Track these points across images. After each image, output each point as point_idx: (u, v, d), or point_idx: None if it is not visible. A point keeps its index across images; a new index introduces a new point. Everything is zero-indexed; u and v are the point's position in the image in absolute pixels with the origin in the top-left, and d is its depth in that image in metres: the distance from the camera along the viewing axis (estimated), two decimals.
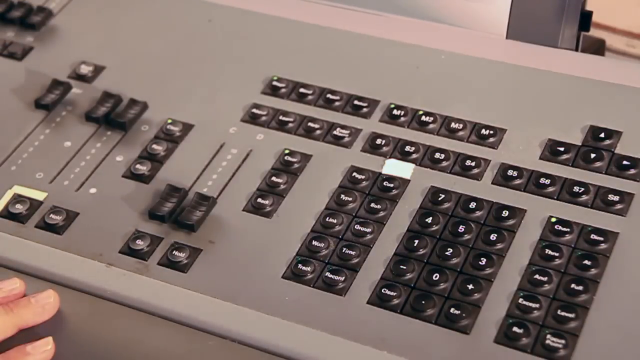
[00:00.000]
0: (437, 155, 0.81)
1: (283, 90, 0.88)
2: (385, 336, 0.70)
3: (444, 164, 0.80)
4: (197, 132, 0.86)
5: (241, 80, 0.90)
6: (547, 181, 0.77)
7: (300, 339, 0.71)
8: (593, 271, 0.71)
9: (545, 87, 0.85)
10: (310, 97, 0.87)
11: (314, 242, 0.76)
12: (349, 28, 0.93)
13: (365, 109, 0.85)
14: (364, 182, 0.80)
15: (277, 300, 0.73)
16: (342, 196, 0.79)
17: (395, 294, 0.72)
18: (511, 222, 0.75)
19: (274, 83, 0.89)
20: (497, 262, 0.73)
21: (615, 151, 0.79)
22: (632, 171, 0.77)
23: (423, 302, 0.71)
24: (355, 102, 0.86)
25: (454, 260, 0.73)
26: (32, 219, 0.81)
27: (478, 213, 0.76)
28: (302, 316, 0.72)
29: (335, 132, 0.84)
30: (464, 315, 0.70)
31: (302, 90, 0.88)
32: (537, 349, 0.68)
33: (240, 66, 0.91)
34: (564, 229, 0.74)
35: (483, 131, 0.82)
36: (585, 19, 0.89)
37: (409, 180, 0.80)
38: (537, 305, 0.70)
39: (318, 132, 0.84)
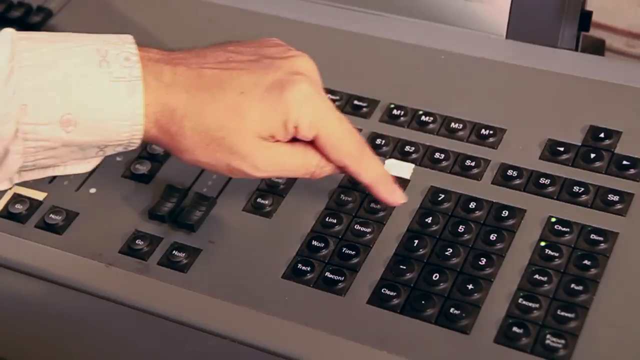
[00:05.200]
0: (437, 155, 0.81)
1: None
2: (385, 336, 0.70)
3: (444, 164, 0.80)
4: None
5: None
6: (547, 181, 0.77)
7: (300, 339, 0.71)
8: (593, 271, 0.71)
9: (545, 87, 0.85)
10: None
11: (314, 242, 0.76)
12: (349, 28, 0.93)
13: (365, 109, 0.85)
14: None
15: (277, 300, 0.73)
16: (342, 196, 0.79)
17: (395, 294, 0.72)
18: (511, 222, 0.75)
19: None
20: (497, 262, 0.73)
21: (615, 151, 0.79)
22: (632, 171, 0.77)
23: (423, 302, 0.71)
24: (355, 102, 0.86)
25: (454, 260, 0.73)
26: (31, 219, 0.81)
27: (478, 213, 0.76)
28: (302, 316, 0.72)
29: None
30: (463, 315, 0.70)
31: None
32: (537, 348, 0.68)
33: None
34: (564, 229, 0.74)
35: (483, 131, 0.82)
36: (585, 19, 0.89)
37: (408, 180, 0.80)
38: (537, 305, 0.70)
39: None
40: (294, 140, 0.72)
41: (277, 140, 0.71)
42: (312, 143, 0.72)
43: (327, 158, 0.72)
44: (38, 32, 0.68)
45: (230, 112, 0.69)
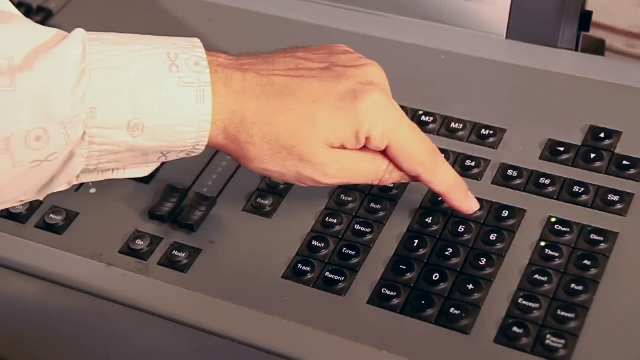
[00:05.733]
0: None
1: None
2: (385, 336, 0.70)
3: None
4: None
5: None
6: (547, 181, 0.77)
7: (300, 339, 0.71)
8: (593, 271, 0.71)
9: (545, 87, 0.85)
10: None
11: (314, 242, 0.76)
12: (349, 28, 0.93)
13: None
14: None
15: (277, 300, 0.73)
16: (342, 196, 0.79)
17: (395, 294, 0.72)
18: (511, 222, 0.75)
19: None
20: (497, 262, 0.73)
21: (615, 151, 0.79)
22: (632, 171, 0.77)
23: (423, 302, 0.71)
24: None
25: (454, 260, 0.73)
26: (32, 219, 0.81)
27: (478, 213, 0.76)
28: (302, 316, 0.72)
29: None
30: (464, 315, 0.70)
31: None
32: (537, 349, 0.68)
33: None
34: (564, 229, 0.74)
35: (483, 131, 0.82)
36: (585, 19, 0.89)
37: None
38: (537, 305, 0.70)
39: None
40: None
41: (346, 149, 0.70)
42: (383, 151, 0.71)
43: (399, 167, 0.72)
44: (108, 34, 0.66)
45: (302, 121, 0.68)
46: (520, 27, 0.90)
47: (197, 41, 0.68)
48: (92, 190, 0.83)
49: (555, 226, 0.74)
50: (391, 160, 0.72)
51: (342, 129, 0.69)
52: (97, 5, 1.00)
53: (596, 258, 0.72)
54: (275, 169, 0.70)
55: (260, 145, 0.69)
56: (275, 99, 0.68)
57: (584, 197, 0.76)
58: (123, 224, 0.80)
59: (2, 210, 0.82)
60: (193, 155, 0.69)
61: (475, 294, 0.71)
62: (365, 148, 0.71)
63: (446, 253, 0.74)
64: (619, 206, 0.75)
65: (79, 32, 0.65)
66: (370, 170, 0.72)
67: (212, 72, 0.67)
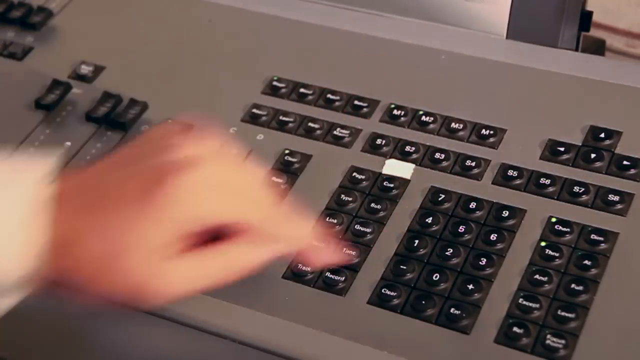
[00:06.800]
0: (437, 155, 0.81)
1: (283, 90, 0.88)
2: (385, 336, 0.70)
3: (444, 164, 0.80)
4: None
5: (241, 80, 0.90)
6: (547, 181, 0.77)
7: (300, 339, 0.71)
8: (593, 271, 0.71)
9: (545, 87, 0.85)
10: (310, 97, 0.87)
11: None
12: (349, 28, 0.93)
13: (365, 109, 0.85)
14: (364, 182, 0.79)
15: (277, 300, 0.73)
16: (342, 196, 0.79)
17: (395, 294, 0.72)
18: (511, 222, 0.75)
19: (274, 83, 0.89)
20: (497, 262, 0.73)
21: (616, 151, 0.79)
22: (632, 171, 0.77)
23: (423, 302, 0.71)
24: (355, 102, 0.86)
25: (454, 260, 0.73)
26: None
27: (478, 213, 0.76)
28: (302, 316, 0.72)
29: (335, 132, 0.84)
30: (464, 315, 0.70)
31: (302, 90, 0.88)
32: (537, 349, 0.68)
33: (240, 66, 0.91)
34: (564, 229, 0.74)
35: (483, 131, 0.82)
36: (586, 19, 0.89)
37: (409, 181, 0.80)
38: (537, 305, 0.70)
39: (318, 132, 0.84)
40: None
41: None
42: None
43: None
44: None
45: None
46: (521, 27, 0.90)
47: None
48: None
49: (556, 226, 0.74)
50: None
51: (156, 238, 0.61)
52: (97, 5, 1.00)
53: (596, 258, 0.72)
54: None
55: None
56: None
57: (584, 197, 0.76)
58: None
59: None
60: None
61: (476, 294, 0.71)
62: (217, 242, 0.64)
63: (446, 253, 0.74)
64: (619, 206, 0.75)
65: None
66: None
67: None
